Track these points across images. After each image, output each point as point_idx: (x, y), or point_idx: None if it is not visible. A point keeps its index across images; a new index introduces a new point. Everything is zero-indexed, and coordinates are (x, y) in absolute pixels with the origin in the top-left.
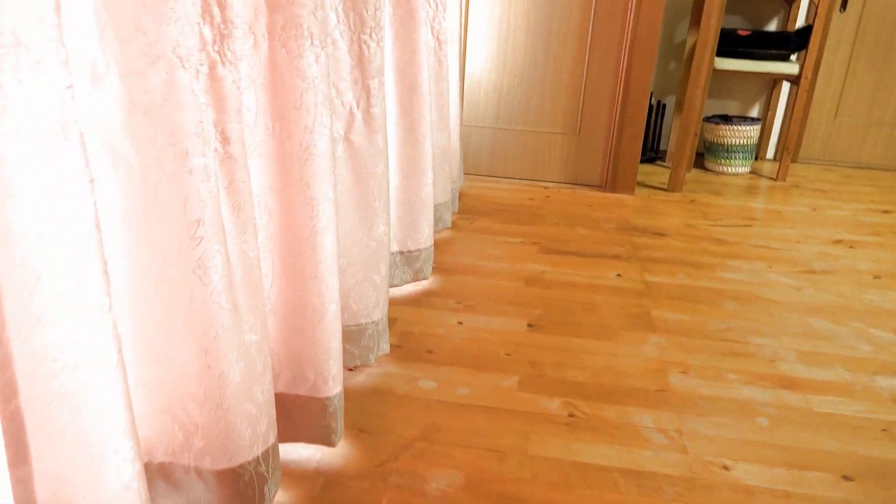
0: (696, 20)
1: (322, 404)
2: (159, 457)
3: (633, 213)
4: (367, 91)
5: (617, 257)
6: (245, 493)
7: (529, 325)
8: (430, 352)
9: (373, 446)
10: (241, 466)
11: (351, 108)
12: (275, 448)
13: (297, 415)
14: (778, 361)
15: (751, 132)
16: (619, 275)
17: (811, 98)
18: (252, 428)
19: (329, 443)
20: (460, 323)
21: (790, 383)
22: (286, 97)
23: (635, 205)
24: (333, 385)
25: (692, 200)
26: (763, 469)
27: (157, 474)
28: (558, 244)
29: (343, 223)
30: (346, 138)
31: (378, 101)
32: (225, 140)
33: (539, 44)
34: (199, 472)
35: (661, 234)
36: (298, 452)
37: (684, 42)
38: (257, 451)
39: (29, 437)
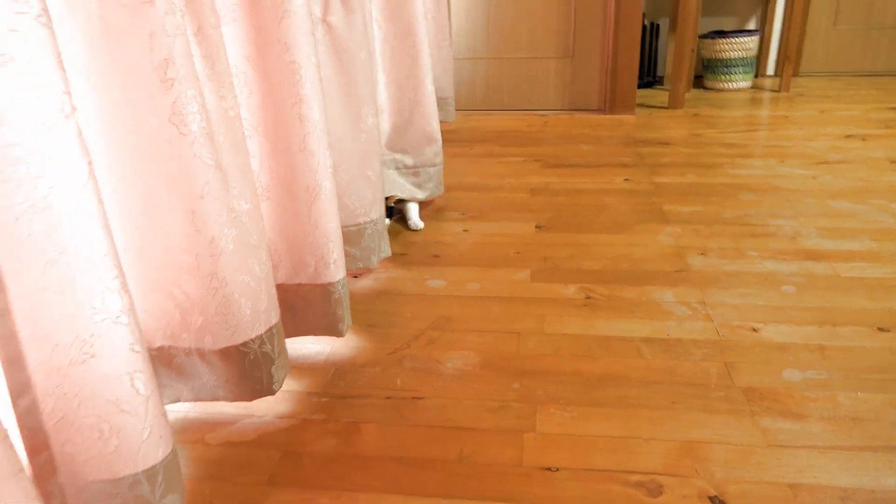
0: None
1: (325, 291)
2: (157, 341)
3: (636, 130)
4: None
5: (623, 165)
6: (252, 373)
7: (538, 227)
8: (436, 256)
9: (383, 337)
10: (245, 345)
11: None
12: (279, 328)
13: (300, 306)
14: (799, 238)
15: (749, 44)
16: (626, 179)
17: (809, 1)
18: (252, 303)
19: (337, 332)
20: (466, 231)
21: (814, 255)
22: None
23: (637, 122)
24: (336, 269)
25: (695, 114)
26: (793, 328)
27: (157, 361)
28: (561, 160)
29: (329, 115)
30: (325, 21)
31: None
32: None
33: None
34: (201, 354)
35: (667, 144)
36: (306, 348)
37: None
38: (260, 328)
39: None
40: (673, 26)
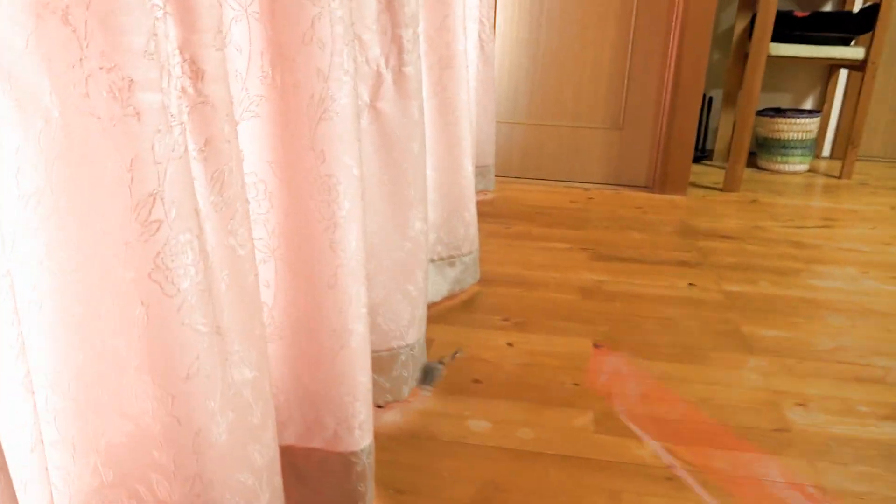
0: (744, 2)
1: (346, 461)
2: None
3: (690, 215)
4: (398, 44)
5: (683, 264)
6: None
7: (596, 346)
8: (477, 382)
9: None
10: None
11: (378, 67)
12: None
13: (311, 475)
14: None
15: (809, 125)
16: (691, 284)
17: (873, 84)
18: None
19: None
20: (510, 344)
21: None
22: (291, 28)
23: (690, 206)
24: (361, 436)
25: (753, 200)
26: None
27: None
28: (611, 250)
29: (369, 218)
30: (373, 106)
31: (412, 57)
32: (197, 74)
33: (575, 26)
34: None
35: (729, 238)
36: None
37: (730, 29)
38: None
39: None
40: (728, 101)
